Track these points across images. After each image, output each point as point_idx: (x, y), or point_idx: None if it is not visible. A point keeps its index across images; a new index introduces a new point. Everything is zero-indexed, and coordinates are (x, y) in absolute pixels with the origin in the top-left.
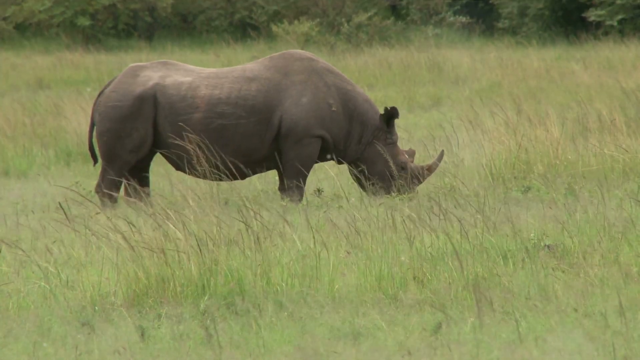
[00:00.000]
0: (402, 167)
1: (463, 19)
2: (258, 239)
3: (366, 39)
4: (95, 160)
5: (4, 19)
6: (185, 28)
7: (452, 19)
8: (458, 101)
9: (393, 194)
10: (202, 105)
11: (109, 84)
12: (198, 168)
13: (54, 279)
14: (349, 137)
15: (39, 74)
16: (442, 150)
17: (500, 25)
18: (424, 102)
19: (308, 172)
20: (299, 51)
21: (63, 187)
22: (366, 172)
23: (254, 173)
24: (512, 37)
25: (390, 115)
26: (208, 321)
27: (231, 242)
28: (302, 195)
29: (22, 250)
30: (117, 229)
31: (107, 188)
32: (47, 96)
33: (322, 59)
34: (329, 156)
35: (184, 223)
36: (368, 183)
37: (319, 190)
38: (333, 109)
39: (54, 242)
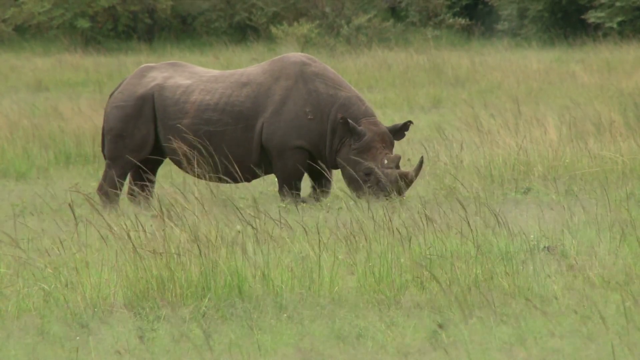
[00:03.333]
0: (366, 174)
1: (462, 20)
2: (258, 240)
3: (366, 41)
4: None
5: (4, 20)
6: (184, 30)
7: (451, 20)
8: (458, 103)
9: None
10: (191, 111)
11: (119, 85)
12: (194, 170)
13: (54, 281)
14: (328, 144)
15: (38, 75)
16: (422, 157)
17: (499, 27)
18: (423, 104)
19: (298, 181)
20: (297, 54)
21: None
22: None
23: (252, 178)
24: (511, 38)
25: (343, 124)
26: (207, 323)
27: (231, 243)
28: (299, 198)
29: (22, 252)
30: (117, 231)
31: (109, 188)
32: (47, 98)
33: (319, 61)
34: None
35: (185, 225)
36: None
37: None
38: (309, 117)
39: (53, 243)
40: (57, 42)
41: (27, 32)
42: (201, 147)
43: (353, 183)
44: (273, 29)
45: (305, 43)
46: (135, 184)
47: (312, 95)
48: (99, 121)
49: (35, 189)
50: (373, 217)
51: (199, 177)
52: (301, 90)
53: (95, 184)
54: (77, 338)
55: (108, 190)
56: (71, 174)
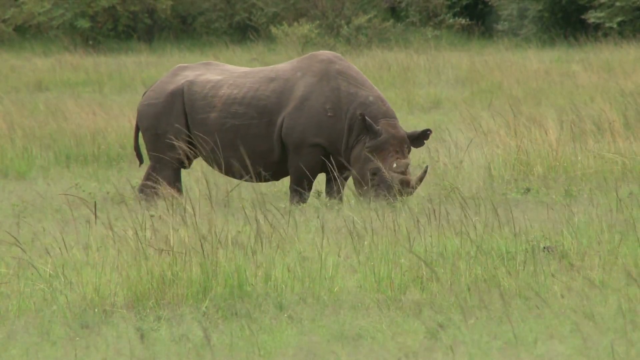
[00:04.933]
0: (373, 173)
1: (462, 20)
2: (260, 240)
3: (366, 41)
4: (141, 161)
5: (4, 20)
6: (184, 30)
7: (451, 20)
8: (457, 103)
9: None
10: (218, 105)
11: (153, 85)
12: (215, 166)
13: (54, 281)
14: (345, 141)
15: (38, 76)
16: (426, 167)
17: (499, 27)
18: (423, 104)
19: (312, 179)
20: (326, 52)
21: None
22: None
23: (277, 176)
24: (511, 38)
25: (361, 121)
26: (208, 323)
27: (232, 243)
28: (303, 198)
29: (22, 252)
30: (118, 231)
31: (150, 188)
32: (47, 98)
33: (346, 60)
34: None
35: (186, 225)
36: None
37: (318, 193)
38: (329, 114)
39: (54, 243)
40: (57, 42)
41: (27, 32)
42: (219, 145)
43: (359, 180)
44: (273, 29)
45: (305, 43)
46: (145, 184)
47: (333, 93)
48: (99, 121)
49: (35, 189)
50: (374, 217)
51: (226, 173)
52: (324, 87)
53: (95, 184)
54: (77, 338)
55: (150, 190)
56: (71, 174)
